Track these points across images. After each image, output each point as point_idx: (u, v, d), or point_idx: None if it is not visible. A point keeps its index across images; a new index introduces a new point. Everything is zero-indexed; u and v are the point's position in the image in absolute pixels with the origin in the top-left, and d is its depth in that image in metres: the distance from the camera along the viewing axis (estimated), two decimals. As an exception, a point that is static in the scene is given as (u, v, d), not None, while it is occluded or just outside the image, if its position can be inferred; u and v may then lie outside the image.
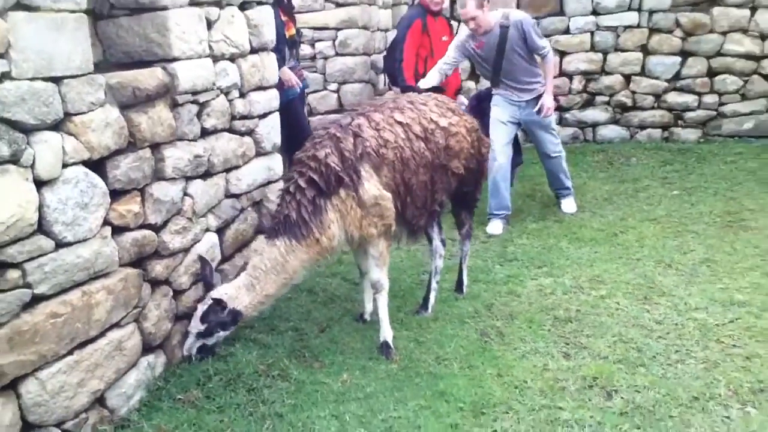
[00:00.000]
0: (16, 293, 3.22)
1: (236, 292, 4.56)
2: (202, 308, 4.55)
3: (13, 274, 3.21)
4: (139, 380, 4.19)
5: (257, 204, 5.67)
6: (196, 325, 4.56)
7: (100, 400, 3.90)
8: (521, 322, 5.44)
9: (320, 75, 9.68)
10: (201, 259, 4.69)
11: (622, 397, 4.35)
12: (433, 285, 5.73)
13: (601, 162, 9.88)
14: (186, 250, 4.61)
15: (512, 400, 4.40)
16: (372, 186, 4.60)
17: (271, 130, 5.69)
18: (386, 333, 5.00)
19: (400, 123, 4.82)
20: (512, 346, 5.09)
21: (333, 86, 9.73)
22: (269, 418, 4.15)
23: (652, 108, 10.32)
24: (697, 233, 7.22)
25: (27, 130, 3.19)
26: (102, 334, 3.87)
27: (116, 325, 3.98)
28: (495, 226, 7.51)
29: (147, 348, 4.31)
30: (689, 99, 10.13)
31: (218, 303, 4.49)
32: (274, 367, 4.62)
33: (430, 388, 4.54)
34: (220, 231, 5.08)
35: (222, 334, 4.63)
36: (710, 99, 10.14)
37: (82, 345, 3.71)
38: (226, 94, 5.01)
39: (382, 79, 10.12)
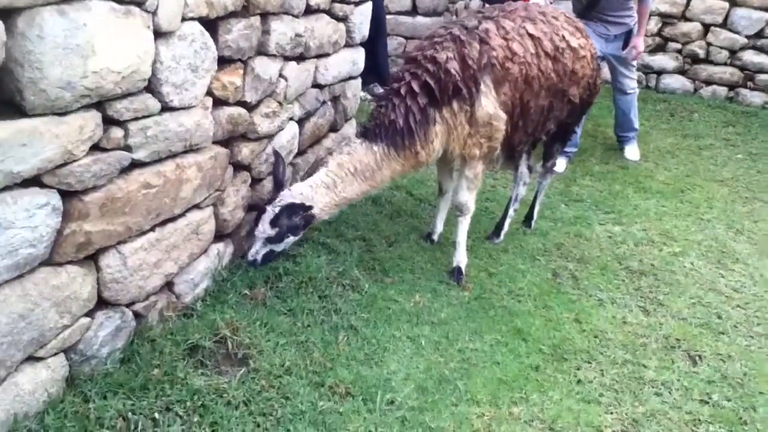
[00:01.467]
0: (116, 155, 2.84)
1: (312, 192, 4.11)
2: (272, 211, 3.97)
3: (117, 134, 2.82)
4: (207, 268, 3.88)
5: (336, 99, 5.23)
6: (264, 230, 3.98)
7: (169, 285, 3.60)
8: (594, 268, 5.17)
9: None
10: (275, 154, 4.17)
11: (708, 365, 4.13)
12: (510, 212, 5.43)
13: (663, 112, 9.42)
14: (271, 137, 4.21)
15: (593, 350, 4.17)
16: (489, 103, 4.15)
17: (363, 20, 5.19)
18: (461, 258, 4.72)
19: (531, 36, 4.32)
20: (587, 292, 4.83)
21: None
22: (343, 329, 3.89)
23: (725, 64, 9.75)
24: (766, 202, 6.90)
25: (152, -31, 2.72)
26: (183, 214, 3.52)
27: (197, 206, 3.63)
28: (559, 164, 7.13)
29: (219, 235, 3.97)
30: (766, 60, 9.58)
31: (295, 206, 4.01)
32: (345, 276, 4.33)
33: (506, 324, 4.30)
34: (301, 122, 4.66)
35: (291, 239, 4.11)
36: (788, 64, 9.59)
37: (165, 222, 3.37)
38: (330, -31, 4.49)
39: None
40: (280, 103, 4.17)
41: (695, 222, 6.24)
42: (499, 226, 5.41)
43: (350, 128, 5.70)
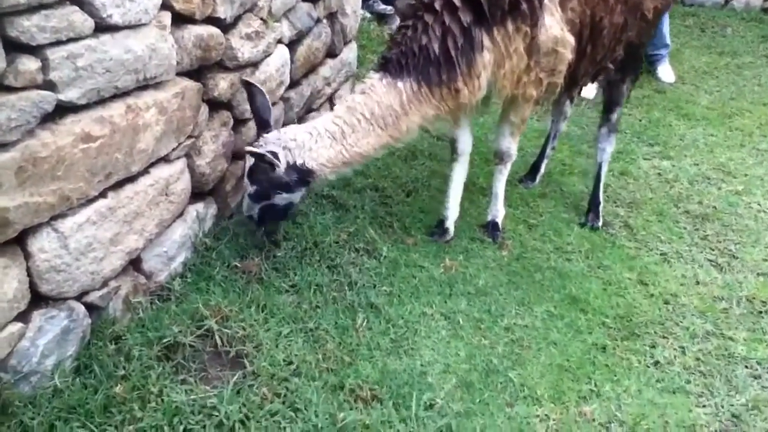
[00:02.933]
0: (31, 96, 1.95)
1: (311, 141, 3.10)
2: (250, 159, 3.09)
3: (29, 65, 1.92)
4: (184, 236, 3.03)
5: (332, 16, 4.25)
6: (247, 183, 3.16)
7: (135, 263, 2.75)
8: (648, 214, 4.35)
9: None
10: (244, 83, 3.13)
11: (808, 334, 3.37)
12: (548, 152, 4.57)
13: (692, 28, 8.43)
14: (255, 65, 3.29)
15: (667, 320, 3.40)
16: (555, 23, 3.16)
17: None
18: (498, 211, 3.88)
19: None
20: (646, 244, 4.02)
21: None
22: (361, 309, 3.07)
23: (760, -29, 8.73)
24: (824, 126, 6.05)
25: None
26: (146, 171, 2.66)
27: (164, 159, 2.76)
28: (589, 90, 6.20)
29: (197, 194, 3.11)
30: (807, -35, 8.55)
31: (277, 157, 3.01)
32: (358, 238, 3.48)
33: (558, 291, 3.50)
34: (292, 45, 3.71)
35: (287, 195, 3.14)
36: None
37: (120, 184, 2.51)
38: None
39: None
40: (264, 21, 3.24)
41: (751, 153, 5.40)
42: (535, 168, 4.56)
43: (351, 53, 4.74)
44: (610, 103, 4.21)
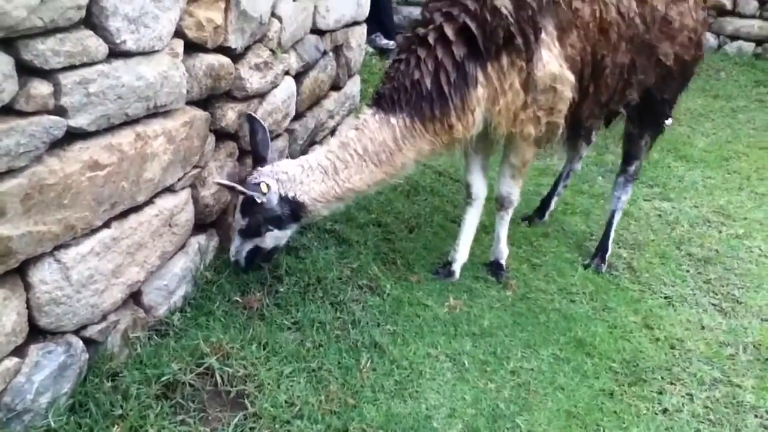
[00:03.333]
0: (42, 121, 1.88)
1: (302, 175, 3.04)
2: (242, 194, 2.98)
3: (42, 89, 1.85)
4: (185, 269, 2.94)
5: (338, 49, 4.24)
6: (238, 219, 3.06)
7: (135, 296, 2.66)
8: (651, 256, 4.32)
9: None
10: (248, 118, 3.08)
11: (816, 385, 3.31)
12: (559, 190, 4.49)
13: (687, 71, 8.53)
14: (263, 96, 3.24)
15: (674, 365, 3.34)
16: (553, 58, 3.08)
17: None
18: (502, 251, 3.79)
19: None
20: (650, 286, 3.98)
21: None
22: (365, 349, 2.99)
23: (753, 17, 8.87)
24: (820, 174, 6.09)
25: None
26: (151, 201, 2.58)
27: (169, 189, 2.69)
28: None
29: (199, 225, 3.03)
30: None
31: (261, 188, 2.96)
32: (361, 274, 3.41)
33: (563, 333, 3.43)
34: (298, 77, 3.68)
35: (278, 233, 3.08)
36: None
37: (125, 214, 2.43)
38: None
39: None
40: (273, 51, 3.21)
41: (750, 197, 5.41)
42: (544, 204, 4.47)
43: (354, 86, 4.73)
44: (628, 155, 4.08)
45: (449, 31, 2.99)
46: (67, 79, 1.93)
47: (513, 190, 3.58)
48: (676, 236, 4.61)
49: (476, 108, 3.08)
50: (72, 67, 1.93)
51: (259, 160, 3.08)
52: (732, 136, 6.72)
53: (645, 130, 3.95)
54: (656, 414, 3.01)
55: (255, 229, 3.04)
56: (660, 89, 3.71)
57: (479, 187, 3.63)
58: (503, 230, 3.73)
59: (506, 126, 3.19)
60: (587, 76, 3.29)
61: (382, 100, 3.09)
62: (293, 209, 3.04)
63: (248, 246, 3.08)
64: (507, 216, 3.70)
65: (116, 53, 2.10)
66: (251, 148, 3.13)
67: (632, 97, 3.61)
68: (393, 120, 3.05)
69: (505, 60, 3.04)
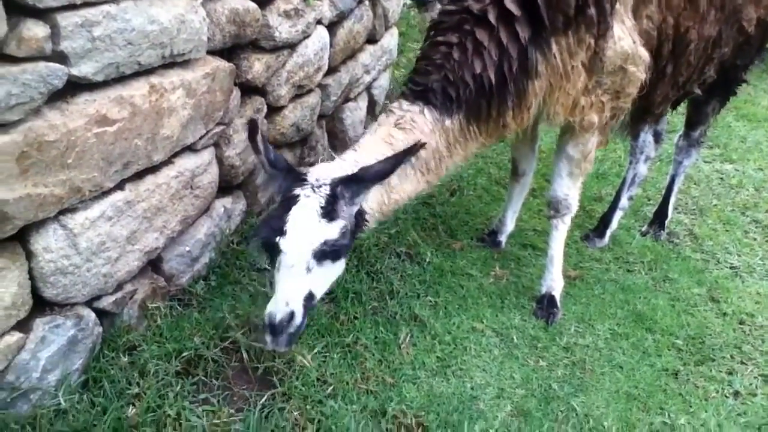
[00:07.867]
0: (37, 68, 1.64)
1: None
2: (315, 193, 2.17)
3: (36, 31, 1.61)
4: (209, 235, 2.72)
5: (374, -2, 3.92)
6: (307, 237, 2.12)
7: (154, 264, 2.44)
8: (714, 222, 3.97)
9: None
10: (250, 123, 2.27)
11: None
12: (623, 202, 3.76)
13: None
14: (293, 47, 2.97)
15: (744, 343, 3.04)
16: (626, 33, 2.58)
17: None
18: (555, 281, 3.08)
19: None
20: (714, 255, 3.66)
21: None
22: (404, 322, 2.75)
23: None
24: None
25: None
26: (169, 161, 2.34)
27: (190, 148, 2.44)
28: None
29: (224, 187, 2.80)
30: None
31: (356, 179, 2.23)
32: (400, 241, 3.16)
33: (621, 306, 3.15)
34: (332, 27, 3.38)
35: (339, 263, 2.28)
36: None
37: (140, 175, 2.19)
38: None
39: None
40: (305, -2, 2.91)
41: (820, 158, 4.97)
42: (606, 221, 3.72)
43: (391, 39, 4.41)
44: (691, 120, 3.66)
45: (512, 5, 2.43)
46: (66, 21, 1.69)
47: (571, 191, 2.99)
48: (741, 201, 4.25)
49: (533, 102, 2.59)
50: (72, 7, 1.70)
51: (268, 165, 2.27)
52: (797, 93, 6.23)
53: (713, 95, 3.47)
54: (726, 397, 2.73)
55: (333, 251, 2.19)
56: (735, 57, 3.23)
57: (527, 163, 3.26)
58: (558, 247, 3.07)
59: (564, 114, 2.69)
60: (666, 54, 2.80)
61: (432, 96, 2.47)
62: (357, 224, 2.32)
63: (303, 289, 2.15)
64: (563, 226, 3.06)
65: (123, -8, 1.85)
66: (257, 155, 2.29)
67: (710, 75, 3.14)
68: (448, 122, 2.49)
69: (572, 36, 2.49)
